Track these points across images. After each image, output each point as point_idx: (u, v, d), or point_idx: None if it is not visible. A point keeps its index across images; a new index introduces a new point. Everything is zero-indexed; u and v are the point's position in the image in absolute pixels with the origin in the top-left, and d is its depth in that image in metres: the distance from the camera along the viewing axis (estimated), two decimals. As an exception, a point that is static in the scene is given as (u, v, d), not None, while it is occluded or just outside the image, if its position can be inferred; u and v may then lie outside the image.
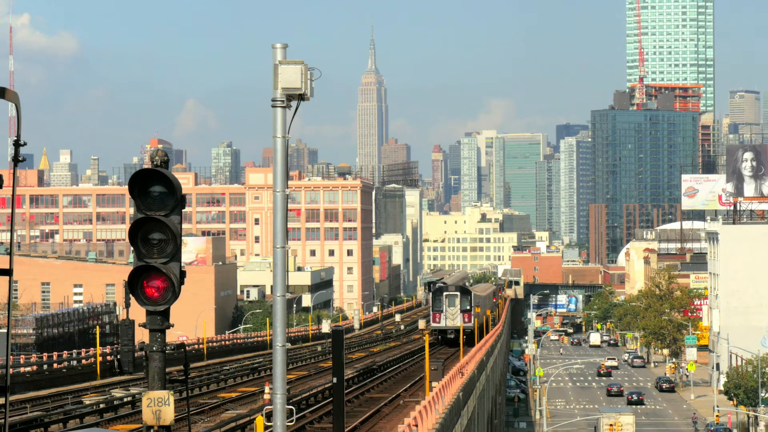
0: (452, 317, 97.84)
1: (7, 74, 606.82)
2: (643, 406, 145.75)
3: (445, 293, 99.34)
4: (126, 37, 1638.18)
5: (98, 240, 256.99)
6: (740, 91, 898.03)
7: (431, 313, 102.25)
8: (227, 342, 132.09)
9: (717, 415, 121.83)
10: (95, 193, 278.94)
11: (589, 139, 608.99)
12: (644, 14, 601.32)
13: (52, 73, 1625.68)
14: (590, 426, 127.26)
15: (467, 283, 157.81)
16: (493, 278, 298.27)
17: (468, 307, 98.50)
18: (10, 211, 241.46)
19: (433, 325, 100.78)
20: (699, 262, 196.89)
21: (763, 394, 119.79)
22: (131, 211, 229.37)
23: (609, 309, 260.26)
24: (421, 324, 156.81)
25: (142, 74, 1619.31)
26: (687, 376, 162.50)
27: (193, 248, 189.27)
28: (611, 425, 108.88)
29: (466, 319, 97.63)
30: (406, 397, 63.43)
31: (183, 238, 18.53)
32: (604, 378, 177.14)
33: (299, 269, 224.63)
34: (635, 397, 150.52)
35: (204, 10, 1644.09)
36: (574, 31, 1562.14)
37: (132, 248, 18.40)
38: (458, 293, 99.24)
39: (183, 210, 18.24)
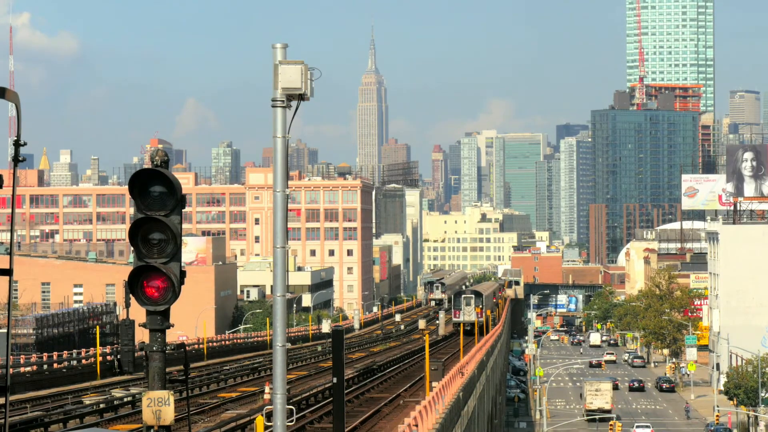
0: (468, 314, 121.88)
1: (7, 74, 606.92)
2: (643, 407, 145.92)
3: (463, 296, 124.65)
4: (126, 37, 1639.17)
5: (98, 240, 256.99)
6: (740, 91, 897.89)
7: (452, 310, 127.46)
8: (227, 342, 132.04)
9: (717, 415, 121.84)
10: (95, 193, 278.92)
11: (589, 139, 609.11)
12: (644, 14, 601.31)
13: (53, 73, 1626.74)
14: (591, 426, 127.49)
15: (467, 284, 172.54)
16: (493, 278, 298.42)
17: (480, 306, 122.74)
18: (10, 211, 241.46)
19: (454, 319, 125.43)
20: (699, 262, 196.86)
21: (763, 394, 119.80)
22: (131, 211, 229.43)
23: (609, 309, 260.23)
24: (422, 324, 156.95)
25: (142, 74, 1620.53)
26: (687, 375, 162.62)
27: (193, 248, 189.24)
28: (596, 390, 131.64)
29: (478, 315, 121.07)
30: (406, 397, 63.45)
31: (183, 238, 18.54)
32: (596, 370, 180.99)
33: (299, 269, 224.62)
34: (636, 384, 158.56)
35: (204, 10, 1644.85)
36: (574, 31, 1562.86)
37: (132, 248, 18.41)
38: (473, 296, 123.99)
39: (183, 210, 18.24)
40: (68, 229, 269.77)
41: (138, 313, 21.15)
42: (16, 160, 13.74)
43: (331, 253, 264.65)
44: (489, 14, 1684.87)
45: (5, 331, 70.70)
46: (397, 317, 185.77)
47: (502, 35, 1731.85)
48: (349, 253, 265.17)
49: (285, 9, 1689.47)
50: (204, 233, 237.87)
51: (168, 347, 18.30)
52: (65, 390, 68.71)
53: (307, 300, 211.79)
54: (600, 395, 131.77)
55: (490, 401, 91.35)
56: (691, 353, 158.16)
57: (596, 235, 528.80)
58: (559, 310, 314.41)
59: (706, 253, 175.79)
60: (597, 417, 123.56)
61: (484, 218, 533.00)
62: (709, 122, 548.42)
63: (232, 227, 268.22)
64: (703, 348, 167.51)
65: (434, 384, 51.79)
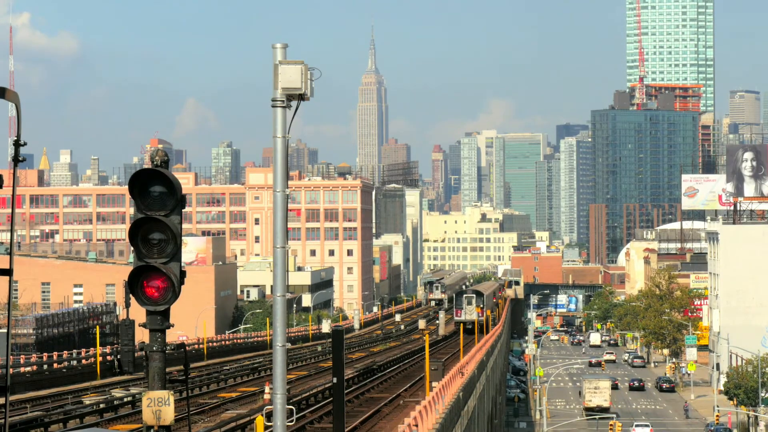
0: (470, 313, 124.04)
1: (7, 74, 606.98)
2: (643, 406, 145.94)
3: (464, 295, 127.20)
4: (126, 37, 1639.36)
5: (98, 240, 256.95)
6: (740, 91, 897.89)
7: (454, 309, 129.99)
8: (227, 342, 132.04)
9: (717, 415, 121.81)
10: (95, 193, 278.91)
11: (589, 139, 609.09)
12: (644, 14, 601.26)
13: (53, 72, 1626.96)
14: (591, 427, 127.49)
15: (467, 284, 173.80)
16: (493, 278, 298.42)
17: (481, 306, 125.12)
18: (10, 211, 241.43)
19: (456, 318, 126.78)
20: (699, 262, 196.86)
21: (763, 394, 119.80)
22: (131, 211, 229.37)
23: (609, 309, 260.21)
24: (422, 324, 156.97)
25: (142, 74, 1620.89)
26: (687, 375, 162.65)
27: (193, 248, 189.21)
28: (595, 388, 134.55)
29: (479, 314, 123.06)
30: (406, 397, 63.44)
31: (183, 238, 18.53)
32: (596, 369, 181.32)
33: (299, 269, 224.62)
34: (636, 384, 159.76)
35: (204, 10, 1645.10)
36: (574, 31, 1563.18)
37: (132, 248, 18.40)
38: (474, 295, 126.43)
39: (183, 210, 18.22)
40: (68, 229, 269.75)
41: (138, 313, 21.15)
42: (16, 160, 13.73)
43: (331, 253, 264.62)
44: (489, 14, 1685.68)
45: (5, 331, 70.73)
46: (397, 317, 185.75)
47: (502, 35, 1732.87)
48: (349, 253, 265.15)
49: (285, 9, 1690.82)
50: (204, 233, 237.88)
51: (168, 347, 18.30)
52: (65, 390, 68.69)
53: (307, 300, 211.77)
54: (599, 393, 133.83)
55: (490, 401, 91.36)
56: (691, 353, 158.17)
57: (596, 235, 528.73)
58: (559, 310, 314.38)
59: (706, 253, 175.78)
60: (597, 416, 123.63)
61: (484, 218, 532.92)
62: (709, 122, 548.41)
63: (232, 227, 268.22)
64: (703, 348, 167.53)
65: (434, 384, 51.78)
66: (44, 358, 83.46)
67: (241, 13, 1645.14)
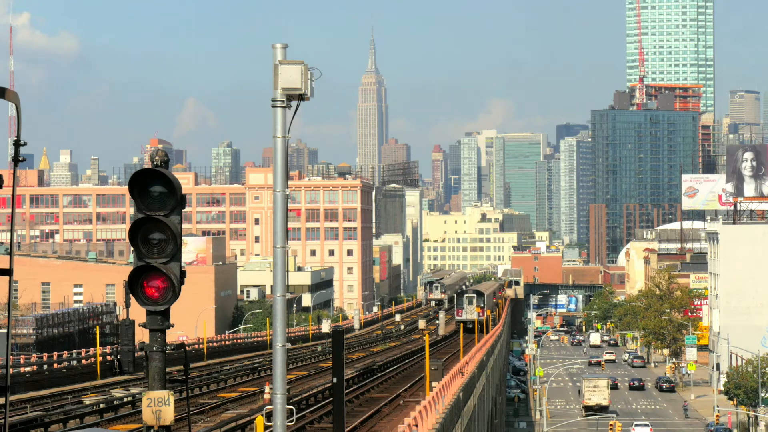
0: (470, 312, 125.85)
1: (7, 74, 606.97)
2: (643, 406, 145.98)
3: (465, 295, 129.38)
4: (126, 37, 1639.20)
5: (98, 240, 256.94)
6: (740, 91, 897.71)
7: (455, 308, 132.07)
8: (227, 342, 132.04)
9: (717, 415, 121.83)
10: (95, 193, 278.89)
11: (589, 139, 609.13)
12: (644, 14, 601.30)
13: (53, 72, 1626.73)
14: (591, 426, 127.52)
15: (467, 284, 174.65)
16: (493, 278, 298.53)
17: (482, 305, 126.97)
18: (10, 211, 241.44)
19: (457, 318, 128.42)
20: (699, 262, 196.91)
21: (763, 394, 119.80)
22: (131, 211, 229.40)
23: (609, 309, 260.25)
24: (422, 324, 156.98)
25: (142, 74, 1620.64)
26: (687, 375, 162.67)
27: (193, 248, 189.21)
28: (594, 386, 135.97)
29: (480, 314, 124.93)
30: (406, 397, 63.44)
31: (183, 238, 18.52)
32: (596, 369, 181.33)
33: (299, 269, 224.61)
34: (636, 384, 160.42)
35: (204, 10, 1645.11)
36: (574, 31, 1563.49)
37: (132, 248, 18.39)
38: (475, 295, 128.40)
39: (183, 210, 18.21)
40: (68, 229, 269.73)
41: (138, 313, 21.16)
42: (16, 160, 13.73)
43: (331, 253, 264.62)
44: (489, 14, 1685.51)
45: (5, 331, 70.73)
46: (397, 317, 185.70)
47: (502, 35, 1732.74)
48: (349, 253, 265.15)
49: (285, 9, 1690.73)
50: (204, 233, 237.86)
51: (168, 347, 18.29)
52: (65, 390, 68.69)
53: (307, 300, 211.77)
54: (598, 391, 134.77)
55: (490, 401, 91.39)
56: (691, 353, 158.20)
57: (596, 235, 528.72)
58: (559, 310, 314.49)
59: (706, 253, 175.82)
60: (596, 415, 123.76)
61: (484, 218, 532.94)
62: (709, 122, 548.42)
63: (232, 227, 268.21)
64: (703, 348, 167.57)
65: (434, 384, 51.78)
66: (44, 358, 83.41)
67: (241, 13, 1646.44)
